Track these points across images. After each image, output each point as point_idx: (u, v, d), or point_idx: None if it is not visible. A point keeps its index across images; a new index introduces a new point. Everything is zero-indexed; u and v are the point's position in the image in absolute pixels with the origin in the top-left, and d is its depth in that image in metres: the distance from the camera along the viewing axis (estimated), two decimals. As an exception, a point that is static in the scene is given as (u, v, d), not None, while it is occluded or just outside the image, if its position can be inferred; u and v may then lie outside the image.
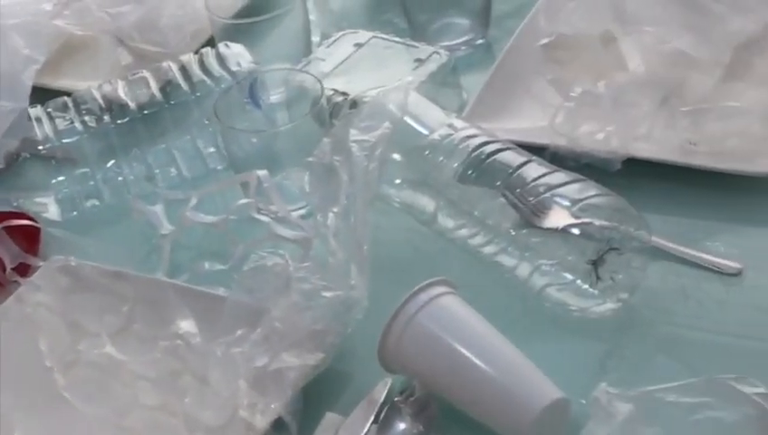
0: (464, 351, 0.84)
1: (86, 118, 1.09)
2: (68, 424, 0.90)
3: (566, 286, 0.91)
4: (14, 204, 1.09)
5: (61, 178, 1.10)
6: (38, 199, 1.12)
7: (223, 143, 1.07)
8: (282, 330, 0.85)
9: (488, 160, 0.95)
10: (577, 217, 0.90)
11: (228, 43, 1.13)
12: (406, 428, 0.82)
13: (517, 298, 0.93)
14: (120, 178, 1.11)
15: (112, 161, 1.11)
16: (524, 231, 0.92)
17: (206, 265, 0.99)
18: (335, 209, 0.91)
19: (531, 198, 0.92)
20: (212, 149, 1.11)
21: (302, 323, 0.85)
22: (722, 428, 0.75)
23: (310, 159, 0.97)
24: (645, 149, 1.03)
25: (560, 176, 0.93)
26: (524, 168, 0.94)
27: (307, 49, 1.21)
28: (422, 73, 1.13)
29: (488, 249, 0.95)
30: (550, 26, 1.19)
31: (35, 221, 1.06)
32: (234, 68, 1.10)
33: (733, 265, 0.94)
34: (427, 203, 0.99)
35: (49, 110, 1.10)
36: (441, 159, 0.97)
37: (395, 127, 0.95)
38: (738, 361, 0.87)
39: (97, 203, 1.11)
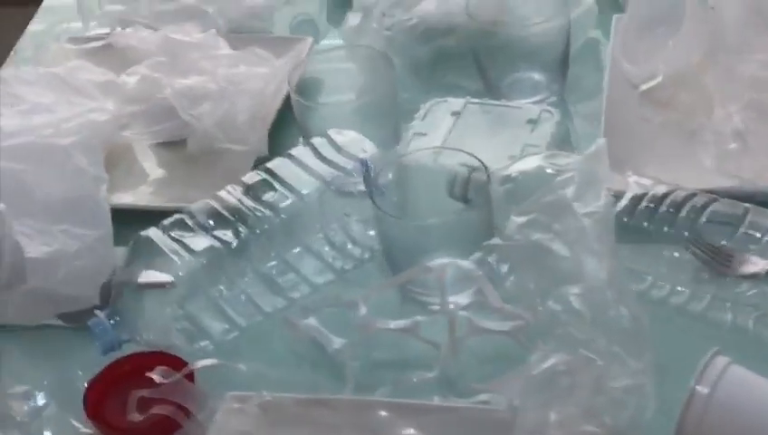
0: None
1: (216, 232, 0.96)
2: None
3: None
4: (140, 342, 0.96)
5: (179, 311, 0.96)
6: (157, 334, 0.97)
7: (378, 234, 0.97)
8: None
9: (702, 218, 0.91)
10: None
11: (340, 130, 1.03)
12: None
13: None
14: (242, 297, 0.99)
15: (221, 284, 0.98)
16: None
17: (414, 376, 0.89)
18: (575, 290, 0.83)
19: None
20: (349, 246, 1.01)
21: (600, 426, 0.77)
22: None
23: (495, 240, 0.90)
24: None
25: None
26: (748, 218, 0.90)
27: (396, 125, 1.12)
28: (545, 134, 1.07)
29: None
30: (638, 69, 1.16)
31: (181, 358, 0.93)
32: (361, 155, 1.01)
33: None
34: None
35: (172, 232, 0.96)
36: (645, 224, 0.91)
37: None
38: None
39: (236, 334, 0.98)
